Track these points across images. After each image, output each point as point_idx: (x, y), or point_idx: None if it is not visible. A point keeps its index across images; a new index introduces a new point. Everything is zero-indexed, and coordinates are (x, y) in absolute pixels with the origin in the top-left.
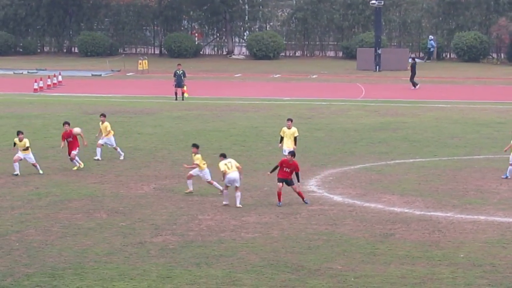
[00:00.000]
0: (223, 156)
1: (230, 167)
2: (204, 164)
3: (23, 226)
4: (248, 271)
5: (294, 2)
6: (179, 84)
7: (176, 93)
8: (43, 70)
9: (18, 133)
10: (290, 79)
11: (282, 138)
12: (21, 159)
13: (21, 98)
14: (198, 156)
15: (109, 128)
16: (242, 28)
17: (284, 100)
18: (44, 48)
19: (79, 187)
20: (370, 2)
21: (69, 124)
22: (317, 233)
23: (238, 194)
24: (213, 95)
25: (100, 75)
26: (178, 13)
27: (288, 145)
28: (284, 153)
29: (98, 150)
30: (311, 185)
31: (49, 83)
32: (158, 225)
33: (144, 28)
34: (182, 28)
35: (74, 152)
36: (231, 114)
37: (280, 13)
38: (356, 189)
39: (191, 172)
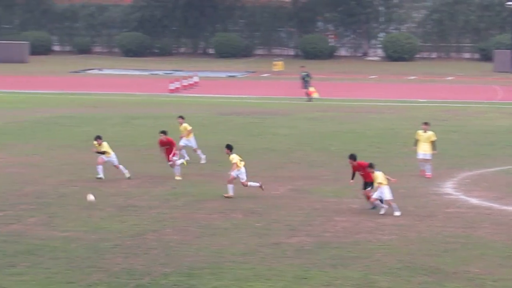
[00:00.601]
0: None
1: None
2: (241, 161)
3: (161, 225)
4: (384, 273)
5: (430, 3)
6: (305, 85)
7: (307, 94)
8: (179, 71)
9: (96, 138)
10: (425, 81)
11: (417, 141)
12: (105, 162)
13: (157, 98)
14: (233, 156)
15: (189, 128)
16: (377, 30)
17: (419, 102)
18: (180, 49)
19: (215, 188)
20: (506, 3)
21: (165, 133)
22: (454, 235)
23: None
24: (348, 96)
25: (236, 76)
26: (313, 14)
27: (423, 150)
28: (418, 157)
29: (183, 152)
30: (447, 187)
31: (185, 84)
32: (294, 226)
33: (278, 29)
34: (317, 30)
35: (174, 158)
36: (366, 115)
37: (415, 15)
38: (494, 192)
39: (232, 174)
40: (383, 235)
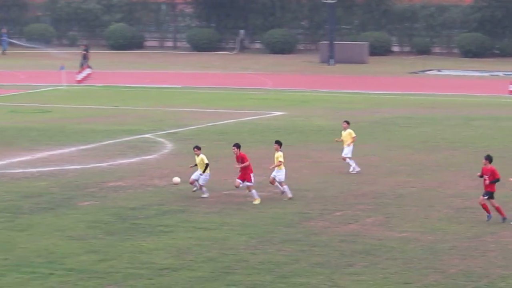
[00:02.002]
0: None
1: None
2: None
3: (499, 227)
4: None
5: None
6: None
7: None
8: None
9: (195, 148)
10: None
11: None
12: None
13: (497, 100)
14: (280, 153)
15: (353, 135)
16: None
17: None
18: None
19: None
20: None
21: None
22: None
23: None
24: None
25: None
26: None
27: None
28: None
29: (352, 162)
30: None
31: None
32: None
33: None
34: None
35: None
36: None
37: None
38: None
39: (276, 176)
40: None
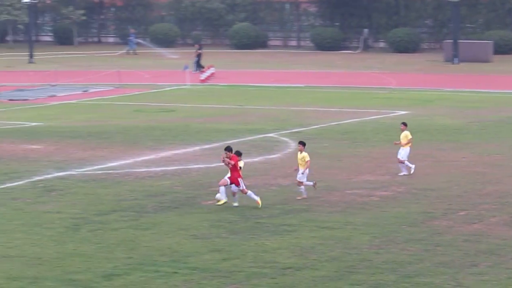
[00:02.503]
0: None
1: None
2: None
3: None
4: None
5: None
6: None
7: None
8: None
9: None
10: None
11: None
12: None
13: None
14: (305, 154)
15: (410, 137)
16: None
17: None
18: None
19: None
20: None
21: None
22: None
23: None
24: None
25: None
26: None
27: None
28: None
29: (407, 164)
30: None
31: None
32: None
33: None
34: None
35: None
36: None
37: None
38: None
39: (299, 179)
40: None
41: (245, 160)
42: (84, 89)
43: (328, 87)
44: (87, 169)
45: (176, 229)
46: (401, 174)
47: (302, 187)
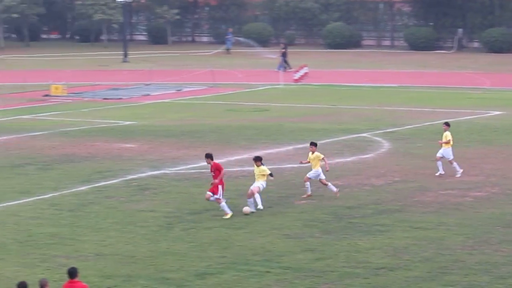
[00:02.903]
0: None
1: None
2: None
3: None
4: None
5: None
6: None
7: None
8: None
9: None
10: None
11: None
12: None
13: None
14: (317, 154)
15: (449, 137)
16: None
17: None
18: None
19: None
20: None
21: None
22: None
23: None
24: None
25: None
26: None
27: None
28: None
29: (439, 163)
30: None
31: None
32: None
33: None
34: None
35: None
36: None
37: None
38: None
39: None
40: None
41: (338, 160)
42: (178, 88)
43: (422, 87)
44: (181, 168)
45: (269, 228)
46: (458, 175)
47: (308, 183)
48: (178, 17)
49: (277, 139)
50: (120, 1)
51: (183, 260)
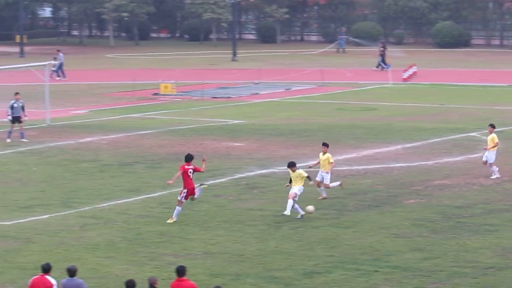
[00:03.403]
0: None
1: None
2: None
3: None
4: None
5: None
6: None
7: None
8: None
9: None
10: None
11: None
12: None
13: None
14: (329, 155)
15: (496, 140)
16: None
17: None
18: None
19: None
20: None
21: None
22: None
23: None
24: None
25: None
26: None
27: None
28: None
29: (494, 168)
30: None
31: None
32: None
33: None
34: None
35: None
36: None
37: None
38: None
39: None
40: None
41: (447, 159)
42: (287, 87)
43: None
44: None
45: (377, 227)
46: (494, 177)
47: (322, 188)
48: (287, 16)
49: (386, 138)
50: (230, 1)
51: (291, 259)
